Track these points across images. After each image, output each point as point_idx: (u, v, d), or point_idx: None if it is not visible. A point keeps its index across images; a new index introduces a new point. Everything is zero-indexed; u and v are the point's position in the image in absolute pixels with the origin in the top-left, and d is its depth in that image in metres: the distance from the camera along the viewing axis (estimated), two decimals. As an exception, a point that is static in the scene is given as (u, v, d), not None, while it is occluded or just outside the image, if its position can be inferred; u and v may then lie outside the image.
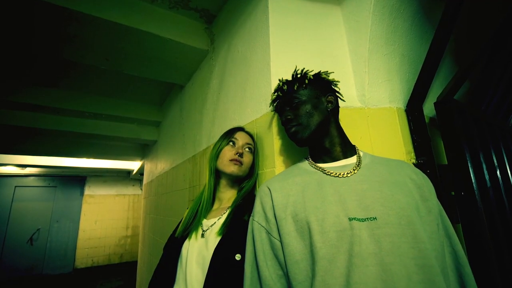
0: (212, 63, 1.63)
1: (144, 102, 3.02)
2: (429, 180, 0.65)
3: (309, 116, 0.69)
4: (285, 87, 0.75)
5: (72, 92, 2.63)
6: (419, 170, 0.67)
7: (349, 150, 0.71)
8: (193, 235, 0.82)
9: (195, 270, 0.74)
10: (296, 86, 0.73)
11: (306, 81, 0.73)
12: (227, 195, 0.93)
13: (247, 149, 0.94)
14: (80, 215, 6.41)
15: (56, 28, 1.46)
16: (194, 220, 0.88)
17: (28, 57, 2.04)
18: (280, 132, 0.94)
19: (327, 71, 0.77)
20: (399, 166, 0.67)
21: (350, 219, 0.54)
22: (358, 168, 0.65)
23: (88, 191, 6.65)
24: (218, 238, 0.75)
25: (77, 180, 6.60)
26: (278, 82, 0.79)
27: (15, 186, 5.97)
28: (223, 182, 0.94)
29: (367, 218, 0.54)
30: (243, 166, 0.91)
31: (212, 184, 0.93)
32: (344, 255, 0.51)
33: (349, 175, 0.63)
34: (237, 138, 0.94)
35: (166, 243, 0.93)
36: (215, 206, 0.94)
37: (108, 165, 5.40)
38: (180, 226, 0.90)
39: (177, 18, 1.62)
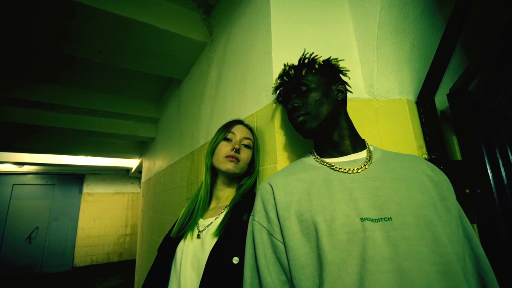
0: (211, 56, 1.57)
1: (141, 99, 2.96)
2: (446, 177, 0.59)
3: (319, 104, 0.63)
4: (292, 71, 0.68)
5: (69, 88, 2.57)
6: (435, 166, 0.61)
7: (359, 144, 0.65)
8: (189, 236, 0.76)
9: (189, 274, 0.68)
10: (304, 72, 0.67)
11: (316, 66, 0.66)
12: (225, 193, 0.87)
13: (245, 144, 0.87)
14: (78, 213, 6.37)
15: (47, 19, 1.39)
16: (190, 220, 0.82)
17: (23, 52, 1.97)
18: (282, 125, 0.87)
19: (336, 58, 0.71)
20: (414, 161, 0.61)
21: (362, 220, 0.48)
22: (369, 163, 0.59)
23: (87, 189, 6.60)
24: (215, 240, 0.69)
25: (75, 178, 6.55)
26: (284, 66, 0.72)
27: (13, 184, 5.92)
28: (220, 179, 0.88)
29: (381, 219, 0.48)
30: (240, 162, 0.84)
31: (208, 181, 0.86)
32: (356, 260, 0.45)
33: (359, 170, 0.57)
34: (234, 132, 0.87)
35: (161, 244, 0.87)
36: (213, 205, 0.87)
37: (107, 163, 5.34)
38: (175, 226, 0.84)
39: (174, 9, 1.55)
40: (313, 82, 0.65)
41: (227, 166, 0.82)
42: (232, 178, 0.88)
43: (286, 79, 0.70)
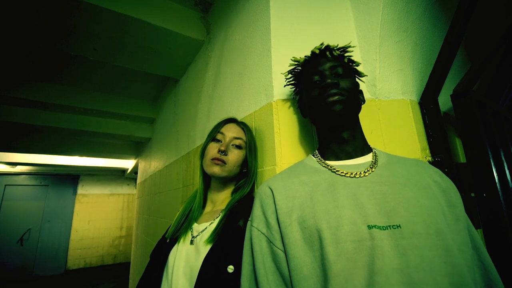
0: (208, 54, 1.53)
1: (137, 98, 2.91)
2: (454, 184, 0.57)
3: (353, 94, 0.61)
4: (337, 52, 0.64)
5: (63, 87, 2.51)
6: (442, 172, 0.58)
7: (366, 147, 0.62)
8: (181, 241, 0.72)
9: (181, 282, 0.64)
10: (346, 59, 0.66)
11: (356, 62, 0.68)
12: (220, 197, 0.83)
13: (236, 145, 0.81)
14: (72, 214, 6.25)
15: (42, 16, 1.34)
16: (184, 224, 0.78)
17: (16, 50, 1.92)
18: (282, 125, 0.84)
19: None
20: (420, 166, 0.58)
21: (370, 227, 0.45)
22: (375, 166, 0.56)
23: (81, 190, 6.49)
24: (208, 247, 0.65)
25: (70, 179, 6.43)
26: (322, 44, 0.66)
27: (5, 185, 5.80)
28: (213, 182, 0.83)
29: (389, 226, 0.45)
30: (227, 165, 0.78)
31: (201, 184, 0.82)
32: (364, 271, 0.42)
33: (366, 174, 0.53)
34: (224, 132, 0.81)
35: (153, 249, 0.83)
36: (208, 208, 0.83)
37: (102, 164, 5.26)
38: (169, 231, 0.80)
39: (171, 6, 1.51)
40: (351, 72, 0.65)
41: (213, 169, 0.77)
42: (226, 181, 0.83)
43: (329, 56, 0.64)
